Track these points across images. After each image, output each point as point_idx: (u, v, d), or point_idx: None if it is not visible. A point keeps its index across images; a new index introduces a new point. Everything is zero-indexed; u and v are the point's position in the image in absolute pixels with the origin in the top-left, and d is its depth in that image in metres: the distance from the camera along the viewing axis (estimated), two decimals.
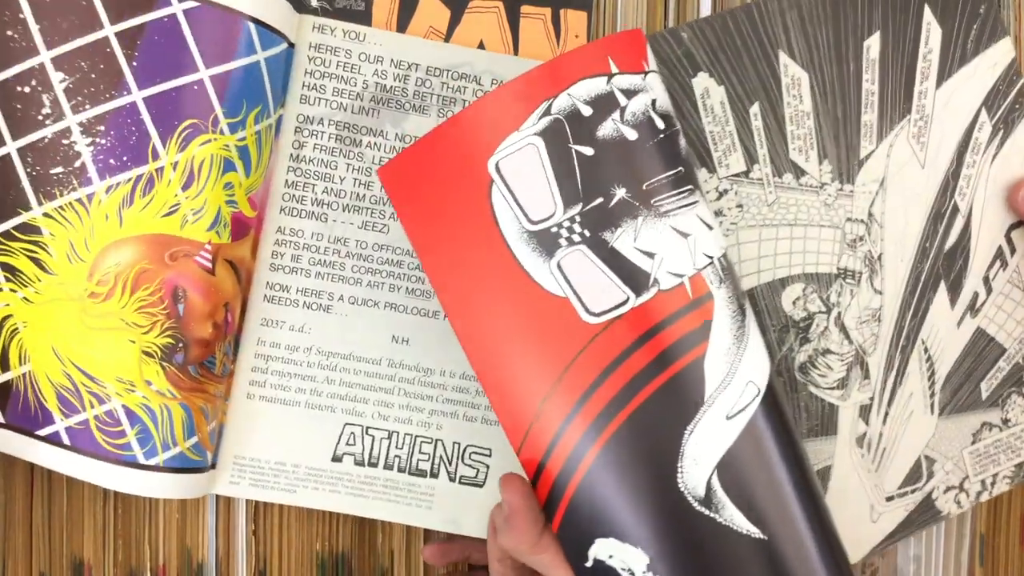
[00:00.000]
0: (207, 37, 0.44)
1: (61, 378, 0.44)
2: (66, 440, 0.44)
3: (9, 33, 0.43)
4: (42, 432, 0.44)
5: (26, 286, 0.44)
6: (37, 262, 0.44)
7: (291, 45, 0.48)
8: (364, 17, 0.51)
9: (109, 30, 0.43)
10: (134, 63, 0.44)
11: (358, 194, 0.48)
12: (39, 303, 0.44)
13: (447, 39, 0.49)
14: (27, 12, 0.43)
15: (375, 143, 0.49)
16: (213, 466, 0.48)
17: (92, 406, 0.44)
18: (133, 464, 0.44)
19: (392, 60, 0.48)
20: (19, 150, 0.43)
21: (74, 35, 0.43)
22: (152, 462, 0.45)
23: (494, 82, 0.49)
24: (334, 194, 0.48)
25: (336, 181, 0.48)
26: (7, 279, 0.44)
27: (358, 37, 0.48)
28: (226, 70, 0.44)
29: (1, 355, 0.44)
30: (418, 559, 0.52)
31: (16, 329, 0.44)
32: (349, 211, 0.49)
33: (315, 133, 0.48)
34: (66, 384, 0.44)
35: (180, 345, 0.45)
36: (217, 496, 0.51)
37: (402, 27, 0.49)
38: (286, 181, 0.48)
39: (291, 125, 0.48)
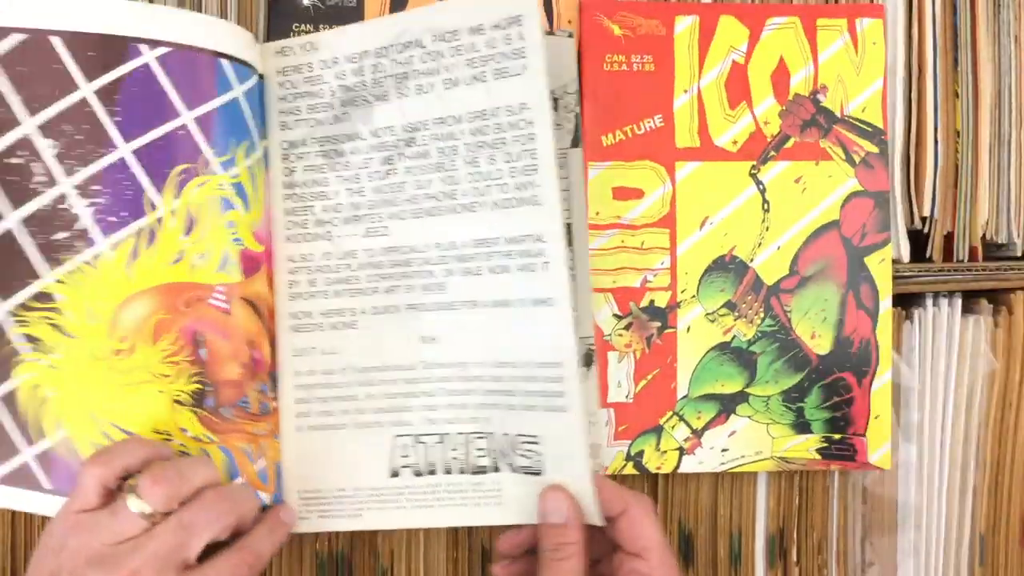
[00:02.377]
0: (184, 80, 0.44)
1: (99, 438, 0.43)
2: None
3: None
4: None
5: (49, 353, 0.43)
6: (57, 328, 0.43)
7: (261, 76, 0.48)
8: (356, 14, 0.50)
9: (86, 89, 0.43)
10: (116, 118, 0.43)
11: (353, 204, 0.48)
12: (65, 368, 0.43)
13: None
14: (4, 85, 0.43)
15: (355, 147, 0.48)
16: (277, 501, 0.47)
17: None
18: None
19: (345, 56, 0.48)
20: (21, 221, 0.43)
21: (54, 100, 0.43)
22: None
23: (435, 39, 0.47)
24: (332, 210, 0.48)
25: (331, 197, 0.48)
26: (30, 348, 0.43)
27: (313, 46, 0.48)
28: (209, 110, 0.44)
29: (36, 424, 0.43)
30: (418, 559, 0.51)
31: (46, 399, 0.43)
32: (349, 223, 0.48)
33: (301, 156, 0.48)
34: (105, 443, 0.43)
35: (209, 389, 0.44)
36: None
37: None
38: (285, 209, 0.48)
39: (278, 153, 0.48)
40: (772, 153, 0.51)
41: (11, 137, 0.43)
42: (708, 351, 0.51)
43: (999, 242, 0.54)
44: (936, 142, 0.52)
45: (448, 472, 0.48)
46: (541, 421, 0.46)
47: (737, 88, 0.51)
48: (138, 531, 0.39)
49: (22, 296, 0.43)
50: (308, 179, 0.48)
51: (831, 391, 0.51)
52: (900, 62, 0.52)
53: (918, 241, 0.53)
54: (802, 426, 0.51)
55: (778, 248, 0.51)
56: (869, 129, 0.51)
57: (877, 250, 0.51)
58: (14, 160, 0.43)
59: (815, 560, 0.52)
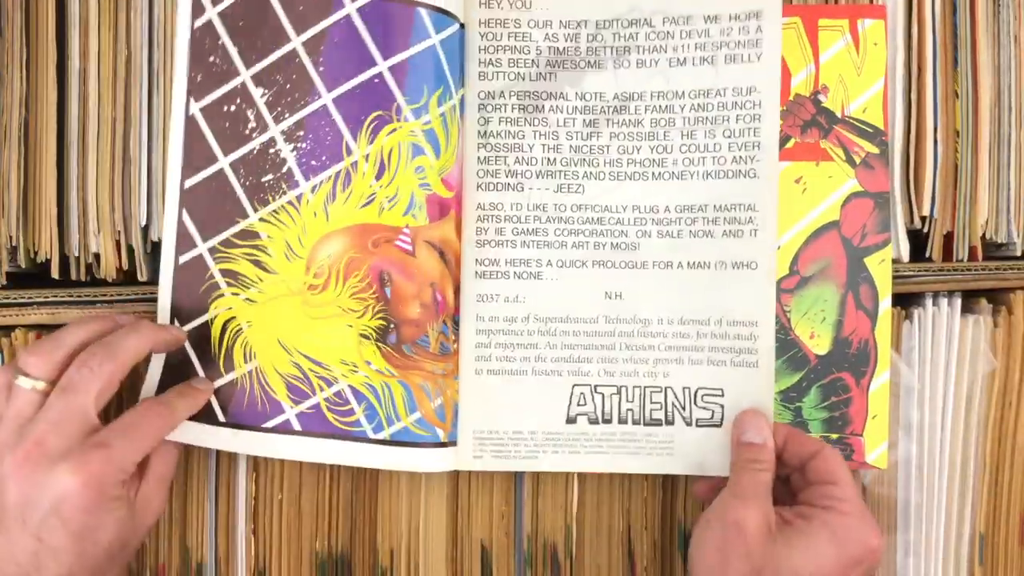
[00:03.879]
0: (382, 30, 0.47)
1: (290, 368, 0.47)
2: (297, 426, 0.47)
3: (212, 59, 0.47)
4: (270, 423, 0.47)
5: (249, 288, 0.47)
6: (258, 264, 0.48)
7: (462, 25, 0.49)
8: None
9: (296, 41, 0.47)
10: (320, 68, 0.47)
11: (548, 159, 0.50)
12: (262, 302, 0.47)
13: None
14: (225, 38, 0.47)
15: (557, 106, 0.50)
16: (453, 443, 0.49)
17: (321, 389, 0.48)
18: (363, 439, 0.47)
19: (560, 21, 0.50)
20: (231, 164, 0.47)
21: (267, 52, 0.47)
22: (379, 436, 0.47)
23: (666, 20, 0.49)
24: (526, 163, 0.50)
25: (525, 150, 0.50)
26: (229, 284, 0.48)
27: (524, 5, 0.50)
28: (404, 58, 0.47)
29: (226, 356, 0.47)
30: (418, 559, 0.52)
31: (240, 330, 0.47)
32: (542, 177, 0.50)
33: (498, 107, 0.50)
34: (295, 373, 0.47)
35: (391, 326, 0.47)
36: (216, 495, 0.51)
37: None
38: (478, 158, 0.50)
39: (474, 102, 0.50)
40: None
41: (229, 86, 0.47)
42: None
43: (999, 242, 0.54)
44: (936, 142, 0.52)
45: (623, 422, 0.50)
46: (729, 376, 0.49)
47: None
48: (35, 406, 0.41)
49: (228, 233, 0.48)
50: (503, 130, 0.50)
51: (829, 391, 0.51)
52: (900, 62, 0.52)
53: (918, 241, 0.53)
54: (800, 425, 0.51)
55: (778, 248, 0.51)
56: (870, 130, 0.51)
57: (877, 251, 0.51)
58: (230, 107, 0.47)
59: None
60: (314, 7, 0.47)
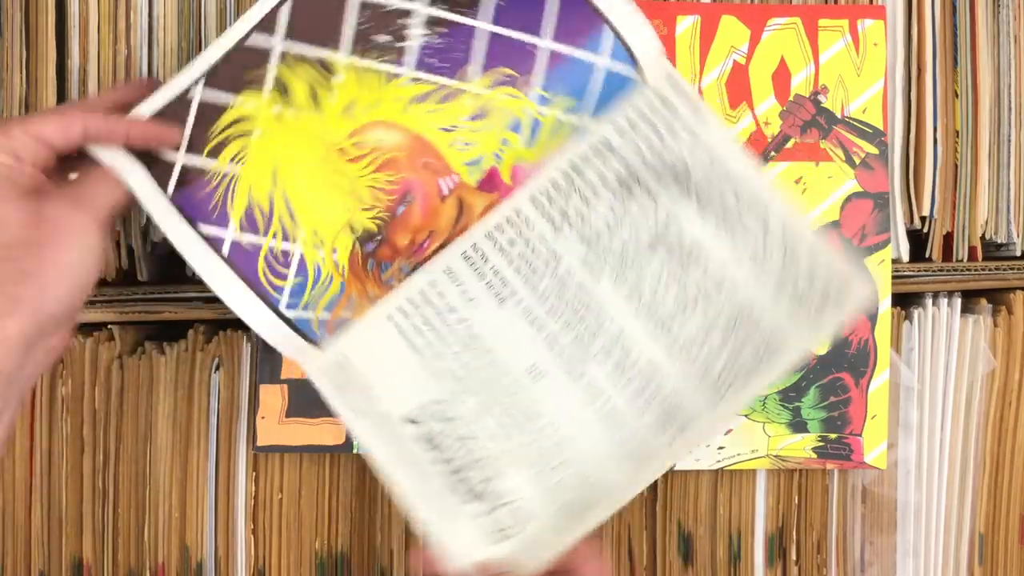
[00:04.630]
0: (564, 15, 0.46)
1: (262, 197, 0.45)
2: (225, 251, 0.45)
3: None
4: (205, 230, 0.45)
5: (289, 106, 0.45)
6: (314, 96, 0.45)
7: (642, 81, 0.47)
8: None
9: None
10: (500, 2, 0.46)
11: (597, 232, 0.48)
12: (289, 125, 0.45)
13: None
14: None
15: (643, 207, 0.48)
16: (319, 347, 0.47)
17: (275, 237, 0.46)
18: (272, 306, 0.46)
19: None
20: (361, 2, 0.45)
21: None
22: (286, 313, 0.46)
23: None
24: (578, 215, 0.48)
25: (587, 212, 0.48)
26: (274, 90, 0.45)
27: (697, 115, 0.47)
28: (564, 53, 0.46)
29: (217, 144, 0.45)
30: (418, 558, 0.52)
31: (248, 133, 0.45)
32: (582, 241, 0.48)
33: (606, 161, 0.48)
34: (263, 205, 0.45)
35: (378, 238, 0.46)
36: (216, 495, 0.51)
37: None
38: (553, 180, 0.48)
39: (592, 140, 0.47)
40: (772, 154, 0.51)
41: None
42: None
43: (999, 242, 0.54)
44: (936, 142, 0.52)
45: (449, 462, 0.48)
46: None
47: (738, 88, 0.51)
48: None
49: (308, 50, 0.45)
50: (592, 181, 0.48)
51: (828, 391, 0.51)
52: (900, 62, 0.52)
53: (918, 241, 0.53)
54: (798, 425, 0.51)
55: None
56: (869, 130, 0.51)
57: (877, 251, 0.51)
58: None
59: (814, 559, 0.53)
60: None
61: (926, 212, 0.52)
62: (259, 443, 0.50)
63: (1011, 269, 0.53)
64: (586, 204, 0.48)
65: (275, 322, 0.46)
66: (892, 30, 0.52)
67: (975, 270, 0.52)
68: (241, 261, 0.45)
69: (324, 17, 0.45)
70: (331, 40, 0.45)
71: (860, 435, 0.51)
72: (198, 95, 0.44)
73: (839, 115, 0.51)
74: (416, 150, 0.46)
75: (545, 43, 0.46)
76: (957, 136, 0.53)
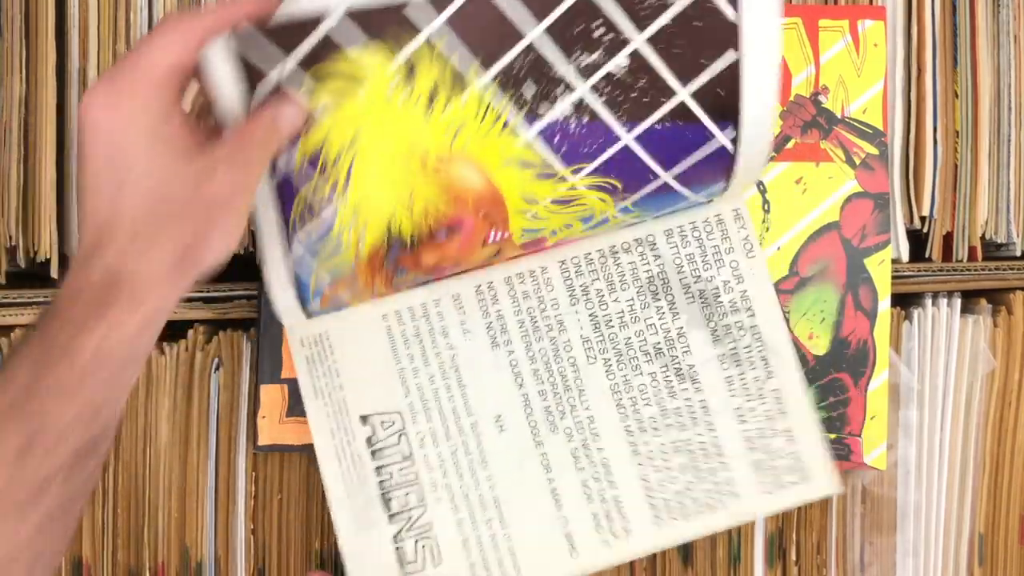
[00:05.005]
0: (701, 166, 0.43)
1: (334, 147, 0.41)
2: (279, 175, 0.42)
3: None
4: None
5: (403, 89, 0.40)
6: (432, 97, 0.41)
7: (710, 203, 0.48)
8: None
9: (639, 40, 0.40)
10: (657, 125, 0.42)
11: (610, 321, 0.49)
12: (392, 105, 0.40)
13: None
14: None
15: (661, 314, 0.49)
16: (307, 314, 0.47)
17: (322, 187, 0.42)
18: (290, 239, 0.43)
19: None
20: (547, 29, 0.40)
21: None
22: (296, 252, 0.44)
23: None
24: (599, 301, 0.49)
25: (610, 298, 0.49)
26: (402, 65, 0.40)
27: (749, 254, 0.49)
28: (676, 188, 0.44)
29: (321, 74, 0.40)
30: None
31: (356, 84, 0.40)
32: (591, 323, 0.49)
33: (644, 258, 0.49)
34: (331, 154, 0.41)
35: (408, 246, 0.44)
36: (216, 495, 0.51)
37: None
38: (588, 254, 0.49)
39: (640, 233, 0.49)
40: (773, 154, 0.51)
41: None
42: None
43: (998, 242, 0.54)
44: (936, 142, 0.52)
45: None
46: None
47: None
48: None
49: (456, 51, 0.40)
50: (616, 265, 0.49)
51: (827, 391, 0.51)
52: (900, 62, 0.52)
53: (917, 241, 0.53)
54: None
55: (778, 249, 0.51)
56: (870, 131, 0.51)
57: (877, 252, 0.51)
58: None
59: (814, 560, 0.53)
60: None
61: (926, 212, 0.52)
62: (259, 443, 0.50)
63: (1011, 269, 0.53)
64: (609, 289, 0.49)
65: (277, 260, 0.44)
66: (892, 30, 0.52)
67: (975, 270, 0.52)
68: (286, 191, 0.42)
69: (492, 32, 0.40)
70: (483, 58, 0.40)
71: (859, 435, 0.51)
72: (334, 20, 0.39)
73: (839, 115, 0.51)
74: (487, 201, 0.43)
75: (667, 176, 0.43)
76: (957, 136, 0.53)
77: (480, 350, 0.49)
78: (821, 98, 0.51)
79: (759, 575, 0.52)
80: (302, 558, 0.51)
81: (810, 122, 0.51)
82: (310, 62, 0.39)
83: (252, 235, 0.51)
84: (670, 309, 0.49)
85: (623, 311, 0.49)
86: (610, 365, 0.49)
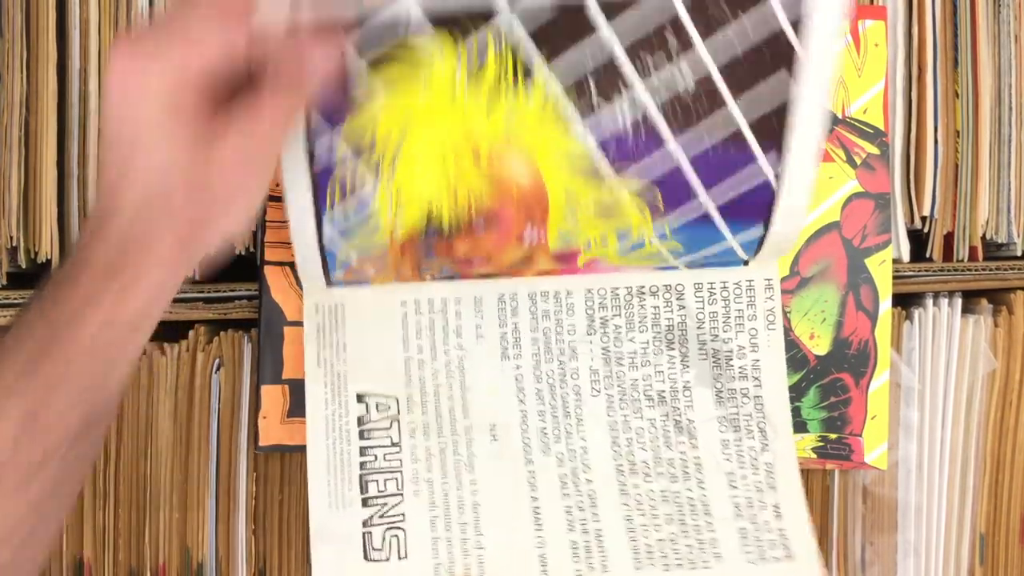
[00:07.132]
0: (743, 199, 0.43)
1: (383, 127, 0.40)
2: (319, 150, 0.41)
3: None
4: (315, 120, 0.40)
5: (466, 78, 0.39)
6: (495, 87, 0.40)
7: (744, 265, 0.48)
8: None
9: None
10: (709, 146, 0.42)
11: (621, 360, 0.49)
12: (451, 92, 0.40)
13: None
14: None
15: (672, 365, 0.49)
16: (328, 283, 0.46)
17: (365, 163, 0.41)
18: (319, 219, 0.43)
19: None
20: (604, 47, 0.39)
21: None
22: (326, 230, 0.43)
23: None
24: (614, 337, 0.49)
25: (626, 337, 0.49)
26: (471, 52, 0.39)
27: (770, 324, 0.50)
28: (713, 218, 0.44)
29: (382, 56, 0.39)
30: None
31: (415, 68, 0.39)
32: (602, 357, 0.49)
33: (669, 306, 0.49)
34: (379, 133, 0.40)
35: (444, 233, 0.43)
36: (217, 495, 0.51)
37: None
38: (615, 289, 0.49)
39: (670, 280, 0.49)
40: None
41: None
42: None
43: (999, 242, 0.54)
44: (936, 142, 0.52)
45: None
46: None
47: None
48: None
49: (527, 44, 0.39)
50: (640, 306, 0.49)
51: (828, 391, 0.51)
52: (900, 62, 0.52)
53: (918, 241, 0.53)
54: (798, 425, 0.51)
55: None
56: (870, 131, 0.51)
57: (877, 252, 0.51)
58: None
59: None
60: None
61: (926, 212, 0.52)
62: (260, 443, 0.50)
63: (1012, 269, 0.53)
64: (628, 328, 0.49)
65: (314, 235, 0.43)
66: (893, 30, 0.52)
67: (976, 270, 0.52)
68: (323, 172, 0.41)
69: (569, 29, 0.39)
70: (554, 54, 0.39)
71: (860, 435, 0.51)
72: (402, 7, 0.38)
73: (840, 115, 0.51)
74: (532, 199, 0.43)
75: (706, 201, 0.43)
76: (958, 136, 0.53)
77: (489, 357, 0.49)
78: None
79: None
80: (303, 559, 0.51)
81: None
82: (370, 46, 0.38)
83: (253, 236, 0.51)
84: (682, 361, 0.49)
85: (636, 352, 0.49)
86: (612, 402, 0.49)
